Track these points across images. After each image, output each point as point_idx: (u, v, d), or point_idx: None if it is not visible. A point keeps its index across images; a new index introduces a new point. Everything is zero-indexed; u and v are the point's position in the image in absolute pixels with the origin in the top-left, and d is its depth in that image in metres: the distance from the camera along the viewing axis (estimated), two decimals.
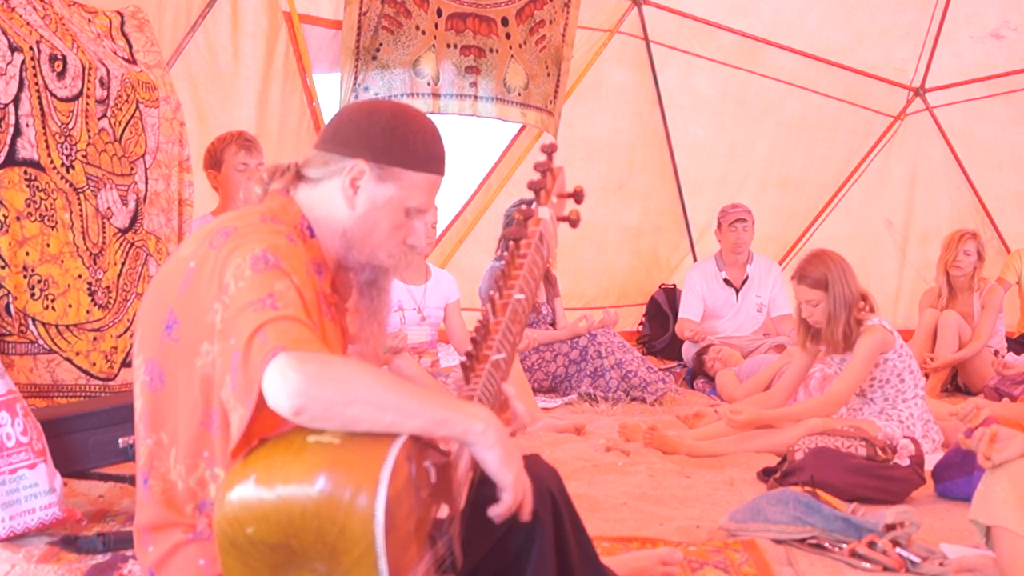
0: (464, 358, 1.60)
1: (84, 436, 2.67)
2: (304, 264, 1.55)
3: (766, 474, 3.24)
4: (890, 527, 2.47)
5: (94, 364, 3.43)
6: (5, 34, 3.16)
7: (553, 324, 5.19)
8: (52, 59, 3.33)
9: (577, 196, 1.84)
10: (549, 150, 1.80)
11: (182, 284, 1.51)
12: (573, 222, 1.83)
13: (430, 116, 5.65)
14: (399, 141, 1.63)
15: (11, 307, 3.13)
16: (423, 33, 5.29)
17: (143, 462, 1.57)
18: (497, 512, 1.45)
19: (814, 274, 3.64)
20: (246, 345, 1.35)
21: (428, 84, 5.35)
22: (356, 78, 5.15)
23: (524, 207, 1.80)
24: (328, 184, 1.64)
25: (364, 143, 1.62)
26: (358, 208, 1.63)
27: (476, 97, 5.52)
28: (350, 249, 1.65)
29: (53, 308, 3.28)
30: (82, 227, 3.43)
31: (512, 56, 5.57)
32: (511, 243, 1.75)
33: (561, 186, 1.86)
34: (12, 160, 3.17)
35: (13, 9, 3.31)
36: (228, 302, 1.42)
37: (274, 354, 1.31)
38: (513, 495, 1.44)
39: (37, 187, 3.24)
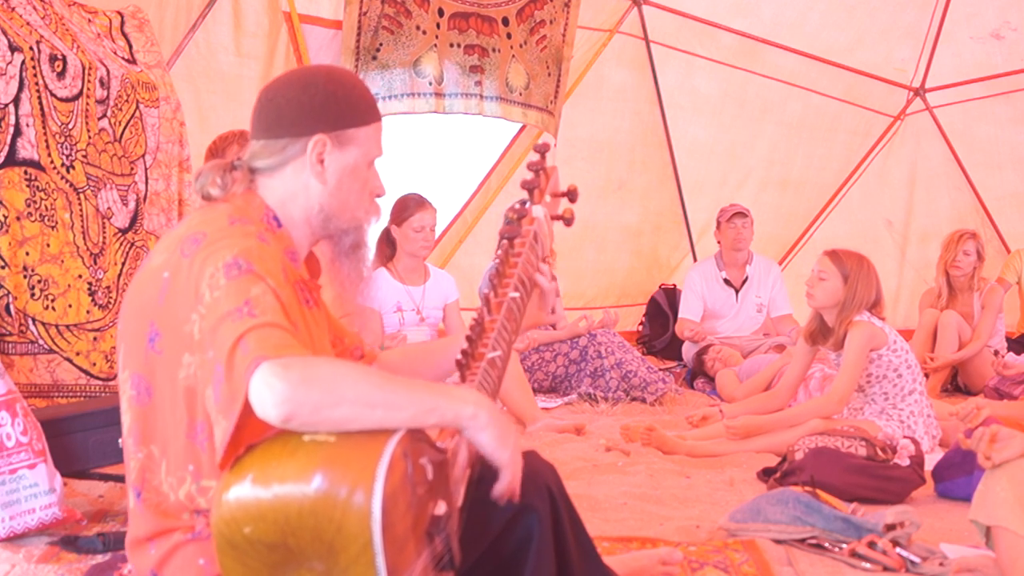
0: (460, 356, 1.60)
1: (84, 436, 2.67)
2: (278, 261, 1.54)
3: (766, 474, 3.24)
4: (890, 527, 2.47)
5: (94, 364, 3.43)
6: (5, 34, 3.16)
7: (553, 324, 5.19)
8: (52, 59, 3.34)
9: (571, 195, 1.85)
10: (542, 149, 1.80)
11: (159, 295, 1.50)
12: (567, 221, 1.83)
13: (434, 116, 5.55)
14: (344, 102, 1.63)
15: (11, 307, 3.13)
16: (424, 33, 5.29)
17: (134, 476, 1.56)
18: (498, 491, 1.46)
19: (846, 260, 3.72)
20: (228, 357, 1.34)
21: (431, 84, 5.34)
22: None
23: (518, 206, 1.81)
24: (290, 168, 1.63)
25: (314, 117, 1.61)
26: (330, 181, 1.64)
27: (481, 96, 5.52)
28: (329, 221, 1.66)
29: (53, 308, 3.28)
30: (82, 227, 3.43)
31: (513, 56, 5.57)
32: (505, 242, 1.76)
33: (555, 185, 1.86)
34: (12, 160, 3.17)
35: (13, 9, 3.31)
36: (205, 312, 1.41)
37: (256, 364, 1.30)
38: (510, 474, 1.45)
39: (37, 187, 3.25)
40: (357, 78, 1.70)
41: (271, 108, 1.63)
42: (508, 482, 1.45)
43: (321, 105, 1.61)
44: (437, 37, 5.33)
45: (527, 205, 1.80)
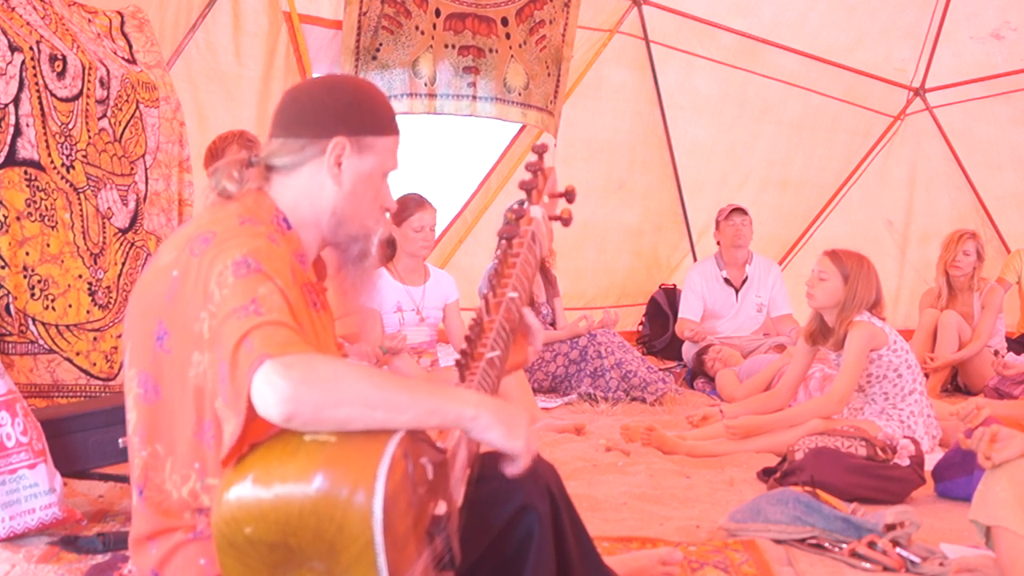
0: (459, 356, 1.60)
1: (84, 436, 2.67)
2: (287, 262, 1.54)
3: (766, 474, 3.24)
4: (890, 527, 2.47)
5: (94, 364, 3.43)
6: (5, 34, 3.16)
7: (553, 324, 5.19)
8: (52, 59, 3.34)
9: (568, 196, 1.86)
10: (540, 150, 1.82)
11: (168, 294, 1.50)
12: (565, 221, 1.84)
13: (426, 117, 5.55)
14: (367, 110, 1.64)
15: (11, 307, 3.13)
16: (422, 33, 5.29)
17: (138, 474, 1.56)
18: (512, 471, 1.48)
19: (845, 260, 3.72)
20: (232, 354, 1.34)
21: (425, 84, 5.35)
22: None
23: (516, 206, 1.81)
24: (307, 168, 1.63)
25: (336, 119, 1.62)
26: (345, 184, 1.64)
27: (475, 97, 5.52)
28: (340, 226, 1.66)
29: (53, 308, 3.28)
30: (82, 227, 3.43)
31: (512, 56, 5.57)
32: (504, 242, 1.77)
33: (552, 186, 1.87)
34: (12, 160, 3.17)
35: (13, 9, 3.31)
36: (214, 310, 1.42)
37: (260, 362, 1.31)
38: (525, 461, 1.48)
39: (37, 187, 3.25)
40: (381, 92, 1.71)
41: (294, 107, 1.64)
42: (522, 466, 1.48)
43: (344, 108, 1.62)
44: (433, 38, 5.33)
45: (525, 205, 1.80)
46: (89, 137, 3.50)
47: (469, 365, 1.58)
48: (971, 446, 2.25)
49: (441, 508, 1.36)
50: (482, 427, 1.41)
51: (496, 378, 1.60)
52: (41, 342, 3.24)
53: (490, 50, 5.51)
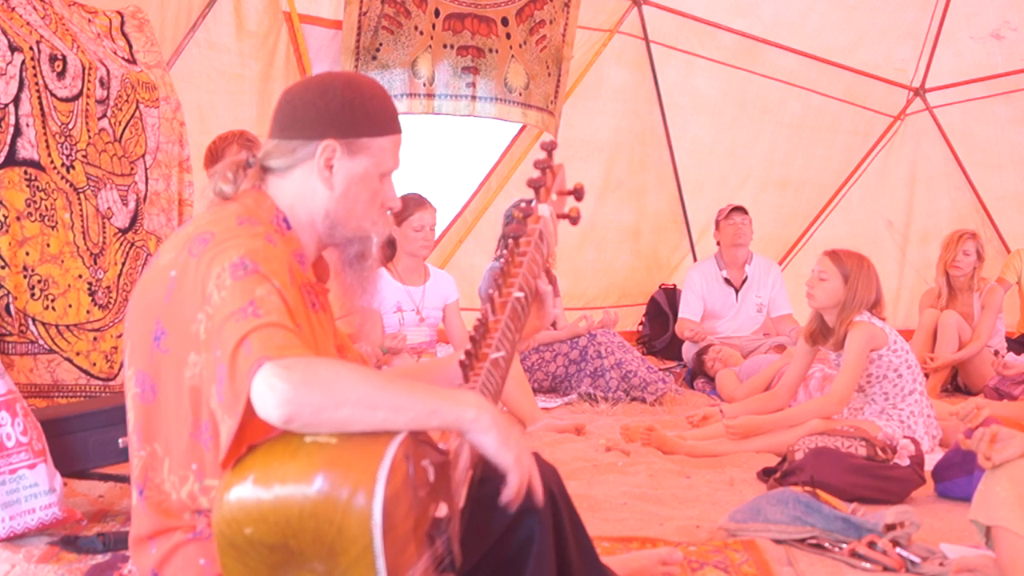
0: (463, 356, 1.59)
1: (84, 436, 2.67)
2: (285, 262, 1.54)
3: (766, 474, 3.24)
4: (890, 527, 2.47)
5: (94, 364, 3.43)
6: (5, 34, 3.16)
7: (553, 324, 5.19)
8: (52, 59, 3.34)
9: (577, 193, 1.83)
10: (549, 147, 1.79)
11: (166, 294, 1.50)
12: (573, 219, 1.81)
13: (426, 117, 5.55)
14: (360, 111, 1.62)
15: (11, 307, 3.13)
16: (421, 34, 5.29)
17: (137, 473, 1.57)
18: (507, 496, 1.43)
19: (846, 260, 3.72)
20: (231, 356, 1.34)
21: (424, 85, 5.35)
22: None
23: (524, 205, 1.79)
24: (299, 171, 1.63)
25: (327, 121, 1.61)
26: (337, 187, 1.63)
27: (474, 97, 5.52)
28: (335, 228, 1.65)
29: (53, 308, 3.28)
30: (82, 227, 3.43)
31: (513, 56, 5.57)
32: (510, 241, 1.74)
33: (561, 183, 1.84)
34: (12, 160, 3.17)
35: (13, 9, 3.31)
36: (212, 312, 1.42)
37: (259, 364, 1.31)
38: (518, 476, 1.43)
39: (37, 187, 3.25)
40: (381, 89, 1.68)
41: (288, 109, 1.64)
42: (515, 486, 1.44)
43: (336, 111, 1.61)
44: (432, 38, 5.33)
45: (533, 204, 1.78)
46: (89, 137, 3.50)
47: (473, 366, 1.57)
48: (971, 446, 2.25)
49: (442, 510, 1.36)
50: (481, 429, 1.41)
51: (500, 379, 1.59)
52: (41, 342, 3.24)
53: (490, 50, 5.51)
